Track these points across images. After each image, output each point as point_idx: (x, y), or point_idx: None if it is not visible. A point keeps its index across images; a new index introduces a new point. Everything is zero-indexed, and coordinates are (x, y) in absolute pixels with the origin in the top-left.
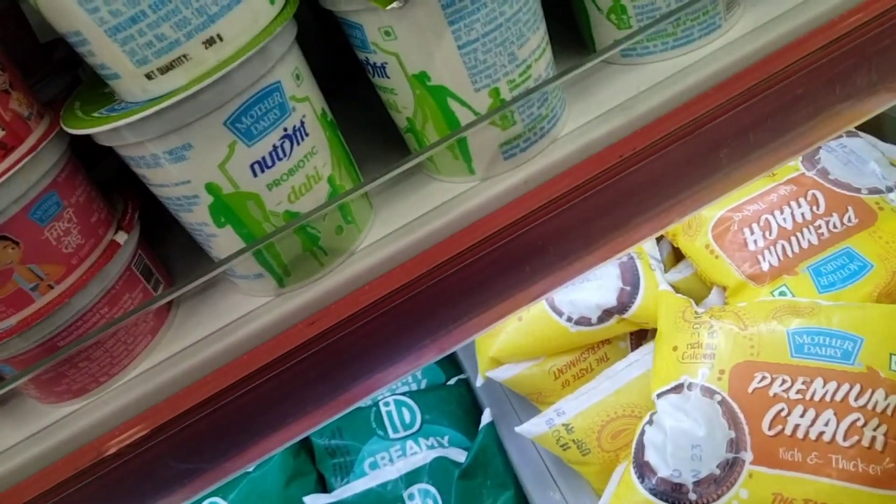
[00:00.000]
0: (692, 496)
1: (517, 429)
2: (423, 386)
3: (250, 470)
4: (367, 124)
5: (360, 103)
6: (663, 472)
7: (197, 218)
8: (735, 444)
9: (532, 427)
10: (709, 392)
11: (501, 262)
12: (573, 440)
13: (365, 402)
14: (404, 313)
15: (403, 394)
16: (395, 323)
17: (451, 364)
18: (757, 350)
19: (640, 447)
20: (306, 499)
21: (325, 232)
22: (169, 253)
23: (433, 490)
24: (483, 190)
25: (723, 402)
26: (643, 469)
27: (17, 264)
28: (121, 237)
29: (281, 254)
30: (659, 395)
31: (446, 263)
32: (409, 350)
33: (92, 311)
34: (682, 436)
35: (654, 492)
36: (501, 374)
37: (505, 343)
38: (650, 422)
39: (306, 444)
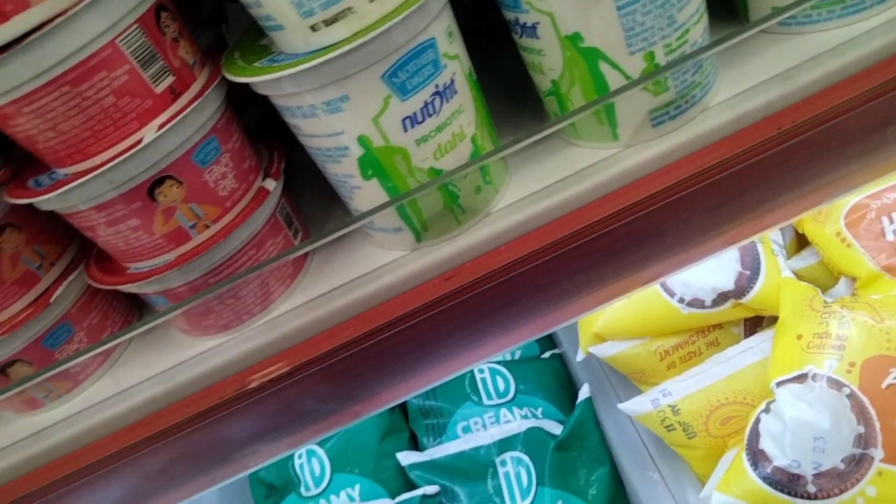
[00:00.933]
0: (811, 488)
1: (620, 406)
2: (516, 357)
3: None
4: (502, 85)
5: (493, 63)
6: (780, 461)
7: (344, 169)
8: (864, 440)
9: (635, 405)
10: (836, 384)
11: (642, 232)
12: (679, 422)
13: None
14: (536, 277)
15: (498, 363)
16: (526, 286)
17: (546, 338)
18: (894, 345)
19: (755, 435)
20: (399, 455)
21: (465, 191)
22: (301, 204)
23: (526, 459)
24: (626, 157)
25: (852, 396)
26: (757, 457)
27: (180, 203)
28: (269, 184)
29: (422, 210)
30: (779, 384)
31: (584, 230)
32: (536, 314)
33: (241, 253)
34: (803, 427)
35: (768, 480)
36: (604, 350)
37: (610, 320)
38: (766, 410)
39: (401, 403)
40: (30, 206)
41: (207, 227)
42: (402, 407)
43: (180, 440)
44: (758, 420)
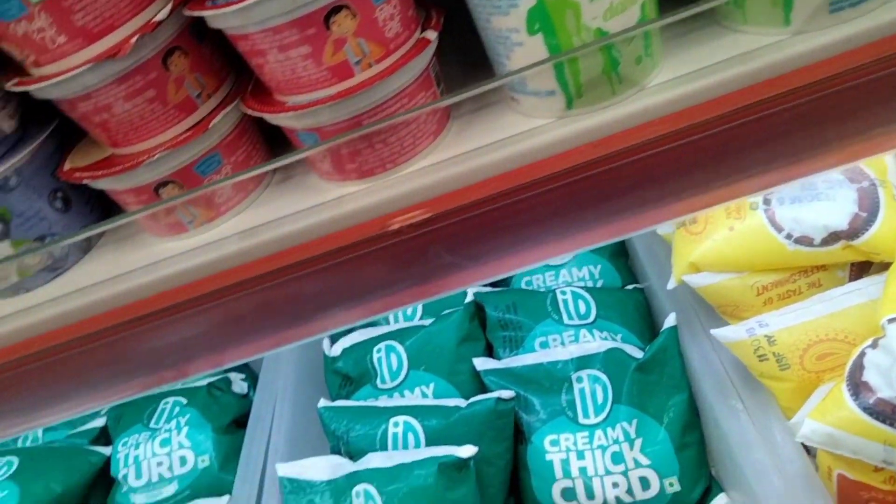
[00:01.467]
0: None
1: (713, 331)
2: (598, 285)
3: (426, 323)
4: None
5: None
6: (885, 393)
7: (510, 23)
8: None
9: (729, 332)
10: None
11: (801, 120)
12: (773, 353)
13: (540, 286)
14: (686, 156)
15: (580, 287)
16: (675, 164)
17: (629, 272)
18: None
19: (858, 368)
20: (476, 360)
21: (626, 58)
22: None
23: (604, 377)
24: (794, 44)
25: None
26: (859, 388)
27: (351, 36)
28: (430, 34)
29: (581, 72)
30: (891, 321)
31: (740, 112)
32: (678, 196)
33: (395, 100)
34: None
35: (869, 410)
36: (698, 280)
37: (710, 250)
38: (873, 346)
39: (480, 314)
40: (197, 33)
41: (370, 65)
42: (481, 318)
43: (316, 275)
44: (862, 354)
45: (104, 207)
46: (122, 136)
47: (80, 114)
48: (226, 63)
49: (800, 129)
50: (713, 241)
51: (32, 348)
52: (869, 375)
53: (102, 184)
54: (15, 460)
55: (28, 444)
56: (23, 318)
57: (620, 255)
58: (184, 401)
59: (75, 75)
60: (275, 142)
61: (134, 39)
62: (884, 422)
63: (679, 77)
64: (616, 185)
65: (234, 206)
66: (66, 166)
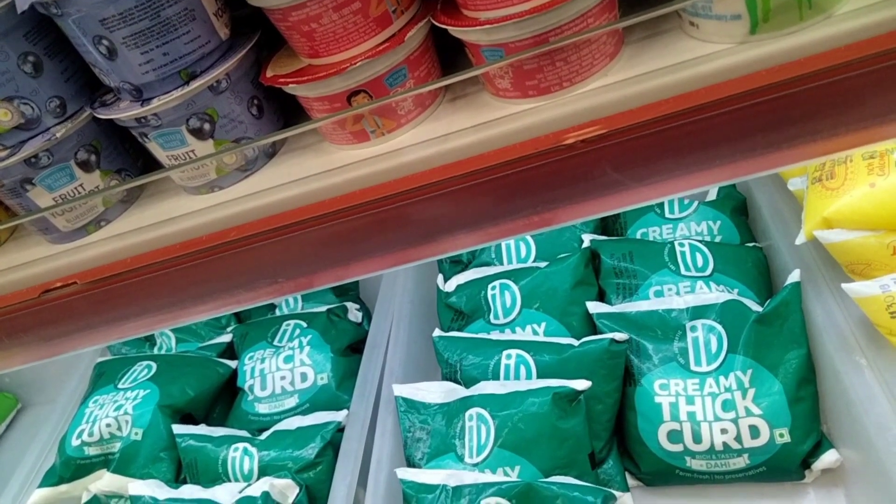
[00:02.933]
0: None
1: (844, 286)
2: (717, 240)
3: (541, 265)
4: None
5: None
6: None
7: None
8: None
9: (862, 287)
10: None
11: None
12: None
13: (656, 238)
14: (873, 83)
15: (699, 241)
16: (862, 91)
17: (748, 230)
18: None
19: None
20: (589, 304)
21: None
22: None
23: (719, 327)
24: None
25: None
26: None
27: None
28: None
29: None
30: None
31: None
32: (863, 124)
33: (580, 19)
34: None
35: None
36: (830, 236)
37: (846, 206)
38: None
39: (595, 261)
40: None
41: None
42: (595, 264)
43: (488, 185)
44: None
45: (288, 117)
46: (324, 46)
47: (290, 23)
48: None
49: None
50: (851, 196)
51: (228, 237)
52: None
53: (303, 89)
54: (154, 365)
55: (164, 352)
56: (220, 211)
57: (741, 212)
58: (304, 323)
59: None
60: (445, 61)
61: None
62: None
63: (869, 5)
64: (791, 112)
65: (414, 118)
66: (269, 74)
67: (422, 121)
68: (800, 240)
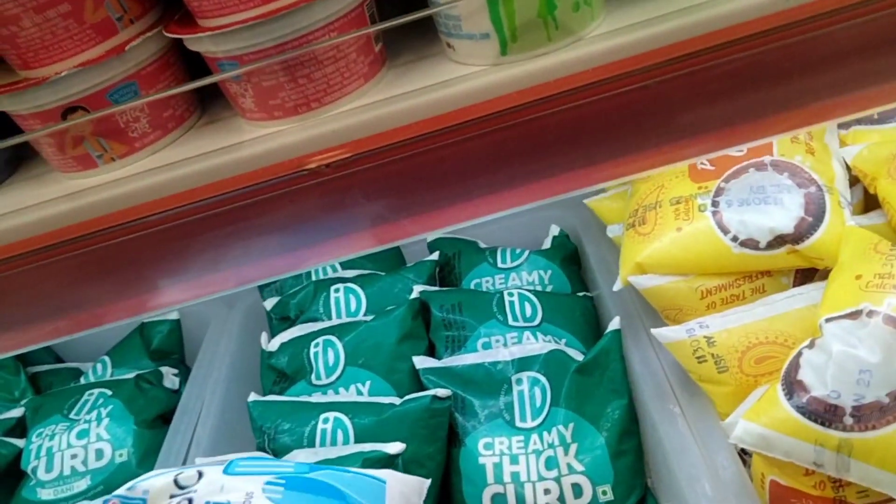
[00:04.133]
0: (848, 420)
1: (653, 330)
2: (548, 290)
3: (367, 319)
4: None
5: None
6: (818, 391)
7: None
8: None
9: (670, 332)
10: (893, 321)
11: (759, 68)
12: (712, 354)
13: (489, 288)
14: (622, 107)
15: (528, 291)
16: (612, 115)
17: (579, 279)
18: None
19: (794, 367)
20: (416, 358)
21: (563, 3)
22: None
23: (543, 380)
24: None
25: None
26: (793, 387)
27: None
28: None
29: (516, 12)
30: (828, 320)
31: (682, 60)
32: (612, 157)
33: (321, 31)
34: (849, 360)
35: (802, 410)
36: (644, 282)
37: (657, 251)
38: (810, 346)
39: (425, 313)
40: None
41: None
42: (426, 316)
43: (229, 215)
44: (799, 354)
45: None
46: (32, 54)
47: None
48: None
49: (754, 80)
50: (661, 241)
51: None
52: (804, 374)
53: (5, 103)
54: None
55: None
56: None
57: (572, 262)
58: (109, 392)
59: None
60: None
61: None
62: (815, 421)
63: (618, 29)
64: (544, 136)
65: (152, 142)
66: None
67: (163, 146)
68: (617, 286)
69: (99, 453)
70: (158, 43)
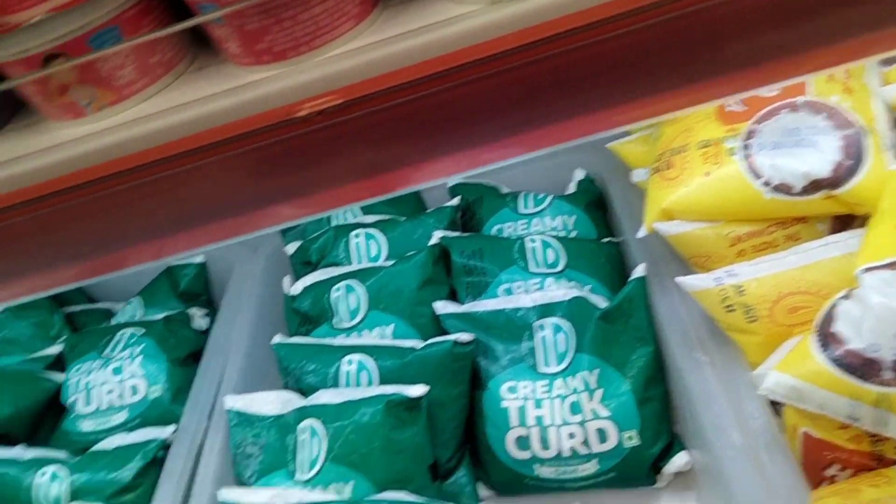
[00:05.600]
0: (886, 374)
1: (678, 279)
2: (573, 236)
3: (388, 265)
4: None
5: None
6: (855, 344)
7: None
8: None
9: (696, 281)
10: None
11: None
12: (741, 304)
13: (511, 234)
14: (648, 40)
15: (552, 236)
16: (634, 50)
17: (605, 225)
18: None
19: (828, 319)
20: (436, 304)
21: None
22: None
23: (566, 325)
24: None
25: None
26: (828, 339)
27: None
28: None
29: None
30: (867, 270)
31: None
32: (648, 91)
33: None
34: (889, 312)
35: (837, 362)
36: (670, 228)
37: (684, 197)
38: (847, 296)
39: (445, 258)
40: None
41: None
42: (446, 262)
43: (216, 165)
44: (834, 305)
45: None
46: None
47: None
48: None
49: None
50: (688, 187)
51: None
52: (839, 326)
53: None
54: None
55: None
56: None
57: (598, 207)
58: (140, 331)
59: None
60: (198, 34)
61: None
62: (852, 374)
63: None
64: (555, 77)
65: (141, 89)
66: None
67: (152, 94)
68: (641, 233)
69: (134, 389)
70: None
